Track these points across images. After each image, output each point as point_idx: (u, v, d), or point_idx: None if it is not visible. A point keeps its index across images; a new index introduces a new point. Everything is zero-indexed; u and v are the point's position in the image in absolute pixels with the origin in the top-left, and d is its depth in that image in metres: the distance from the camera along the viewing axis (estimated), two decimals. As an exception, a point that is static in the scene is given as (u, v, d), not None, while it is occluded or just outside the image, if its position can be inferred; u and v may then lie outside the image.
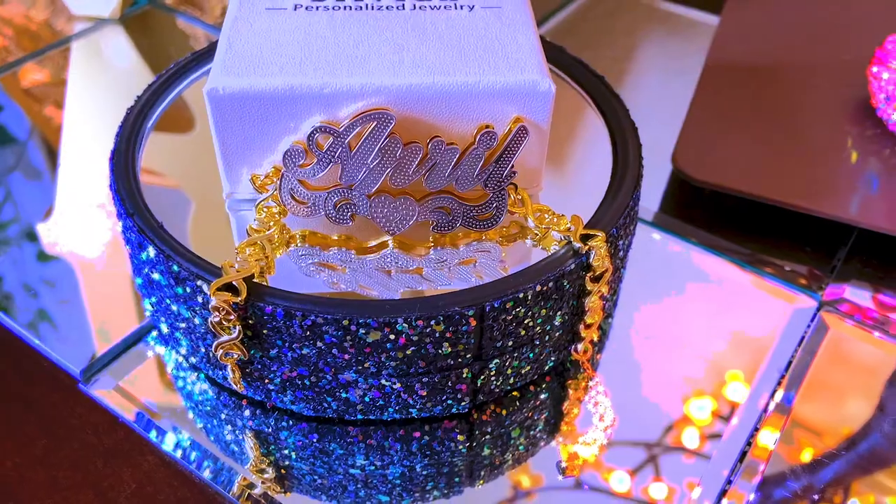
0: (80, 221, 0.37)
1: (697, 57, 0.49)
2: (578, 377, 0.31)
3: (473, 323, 0.26)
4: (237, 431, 0.29)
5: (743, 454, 0.29)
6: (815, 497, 0.28)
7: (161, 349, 0.32)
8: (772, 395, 0.31)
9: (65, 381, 0.30)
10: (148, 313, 0.32)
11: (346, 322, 0.25)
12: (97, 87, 0.45)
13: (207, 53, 0.36)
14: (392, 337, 0.26)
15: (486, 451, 0.29)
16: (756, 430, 0.29)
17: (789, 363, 0.32)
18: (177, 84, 0.34)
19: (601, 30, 0.52)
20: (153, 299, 0.29)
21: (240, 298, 0.25)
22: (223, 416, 0.29)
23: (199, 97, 0.36)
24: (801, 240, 0.37)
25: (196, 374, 0.30)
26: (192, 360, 0.30)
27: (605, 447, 0.29)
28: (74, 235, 0.36)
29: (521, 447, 0.30)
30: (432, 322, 0.25)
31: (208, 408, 0.30)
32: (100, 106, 0.44)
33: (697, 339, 0.33)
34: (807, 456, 0.29)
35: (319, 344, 0.26)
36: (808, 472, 0.28)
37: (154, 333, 0.32)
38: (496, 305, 0.26)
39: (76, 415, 0.30)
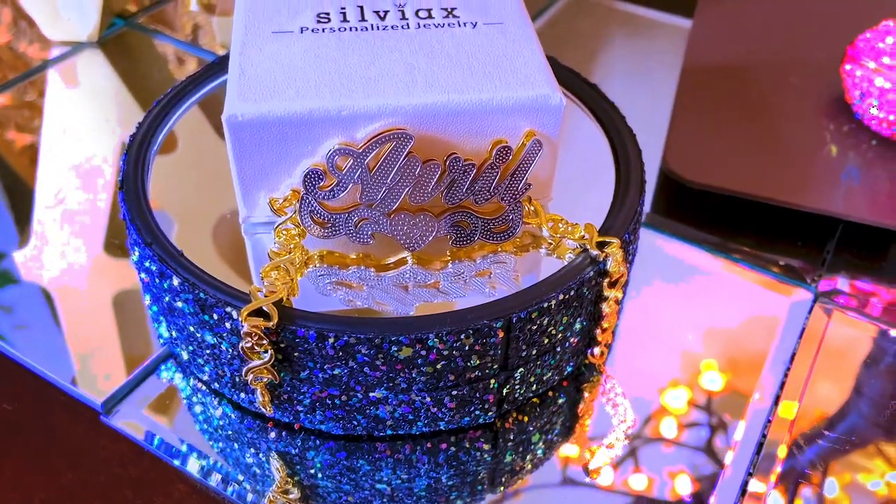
0: (59, 249, 0.37)
1: (661, 57, 0.50)
2: (593, 379, 0.32)
3: (501, 334, 0.26)
4: (263, 454, 0.29)
5: (759, 446, 0.30)
6: (833, 481, 0.29)
7: (179, 376, 0.31)
8: (780, 388, 0.32)
9: (85, 413, 0.30)
10: (162, 340, 0.32)
11: (378, 340, 0.25)
12: (80, 111, 0.45)
13: (202, 77, 0.36)
14: (423, 353, 0.26)
15: (509, 458, 0.30)
16: (769, 421, 0.31)
17: (793, 355, 0.33)
18: (176, 108, 0.34)
19: (567, 34, 0.53)
20: (172, 327, 0.29)
21: (271, 323, 0.25)
22: (249, 440, 0.29)
23: (187, 121, 0.36)
24: (788, 235, 0.39)
25: (218, 399, 0.30)
26: (215, 385, 0.30)
27: (626, 447, 0.30)
28: (55, 263, 0.36)
29: (540, 451, 0.30)
30: (462, 336, 0.26)
31: (232, 432, 0.30)
32: (89, 131, 0.43)
33: (699, 335, 0.34)
34: (820, 442, 0.30)
35: (351, 363, 0.26)
36: (822, 458, 0.30)
37: (170, 361, 0.32)
38: (522, 316, 0.26)
39: (100, 446, 0.29)
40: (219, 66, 0.36)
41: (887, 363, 0.33)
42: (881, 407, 0.32)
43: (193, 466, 0.29)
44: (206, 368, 0.29)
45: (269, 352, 0.26)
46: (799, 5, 0.50)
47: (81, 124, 0.44)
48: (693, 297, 0.36)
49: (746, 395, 0.32)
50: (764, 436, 0.30)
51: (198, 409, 0.31)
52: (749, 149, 0.40)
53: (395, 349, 0.26)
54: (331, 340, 0.25)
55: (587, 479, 0.29)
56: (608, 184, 0.32)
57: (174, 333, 0.30)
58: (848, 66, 0.41)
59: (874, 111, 0.40)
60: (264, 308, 0.25)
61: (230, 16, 0.52)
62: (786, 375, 0.32)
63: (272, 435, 0.30)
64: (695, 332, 0.34)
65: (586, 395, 0.32)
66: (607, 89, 0.36)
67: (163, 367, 0.32)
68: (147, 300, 0.31)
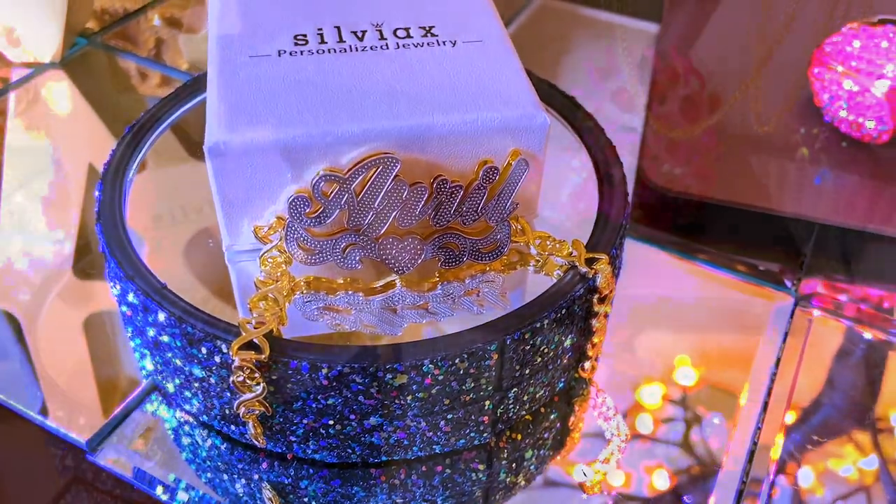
0: (26, 273, 0.36)
1: (628, 61, 0.50)
2: (583, 393, 0.32)
3: (495, 356, 0.26)
4: (255, 485, 0.29)
5: (751, 454, 0.30)
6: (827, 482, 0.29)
7: (165, 409, 0.31)
8: (768, 393, 0.32)
9: (70, 452, 0.29)
10: (146, 373, 0.31)
11: (372, 369, 0.25)
12: (45, 132, 0.43)
13: (175, 100, 0.35)
14: (418, 379, 0.26)
15: (503, 476, 0.30)
16: (759, 428, 0.31)
17: (778, 359, 0.33)
18: (151, 133, 0.33)
19: (536, 41, 0.53)
20: (158, 360, 0.29)
21: (263, 356, 0.25)
22: (240, 471, 0.29)
23: (163, 146, 0.35)
24: (766, 238, 0.39)
25: (207, 431, 0.30)
26: (204, 417, 0.29)
27: (621, 460, 0.30)
28: (21, 289, 0.35)
29: (533, 467, 0.30)
30: (457, 360, 0.26)
31: (223, 464, 0.29)
32: (54, 152, 0.42)
33: (681, 342, 0.34)
34: (808, 445, 0.31)
35: (345, 392, 0.26)
36: (812, 458, 0.30)
37: (153, 395, 0.31)
38: (516, 337, 0.26)
39: (87, 486, 0.29)
40: (191, 87, 0.36)
41: (867, 362, 0.34)
42: (864, 406, 0.32)
43: (184, 501, 0.28)
44: (194, 401, 0.29)
45: (262, 385, 0.25)
46: (764, 9, 0.51)
47: (46, 145, 0.43)
48: (670, 304, 0.36)
49: (734, 401, 0.32)
50: (755, 442, 0.31)
51: (186, 442, 0.30)
52: (723, 154, 0.41)
53: (390, 377, 0.25)
54: (324, 371, 0.25)
55: (584, 496, 0.29)
56: (589, 195, 0.33)
57: (159, 366, 0.29)
58: (816, 70, 0.42)
59: (843, 114, 0.41)
60: (255, 340, 0.25)
61: (197, 32, 0.51)
62: (772, 380, 0.32)
63: (264, 465, 0.29)
64: (676, 338, 0.34)
65: (577, 409, 0.32)
66: (575, 95, 0.36)
67: (148, 400, 0.31)
68: (129, 333, 0.30)
